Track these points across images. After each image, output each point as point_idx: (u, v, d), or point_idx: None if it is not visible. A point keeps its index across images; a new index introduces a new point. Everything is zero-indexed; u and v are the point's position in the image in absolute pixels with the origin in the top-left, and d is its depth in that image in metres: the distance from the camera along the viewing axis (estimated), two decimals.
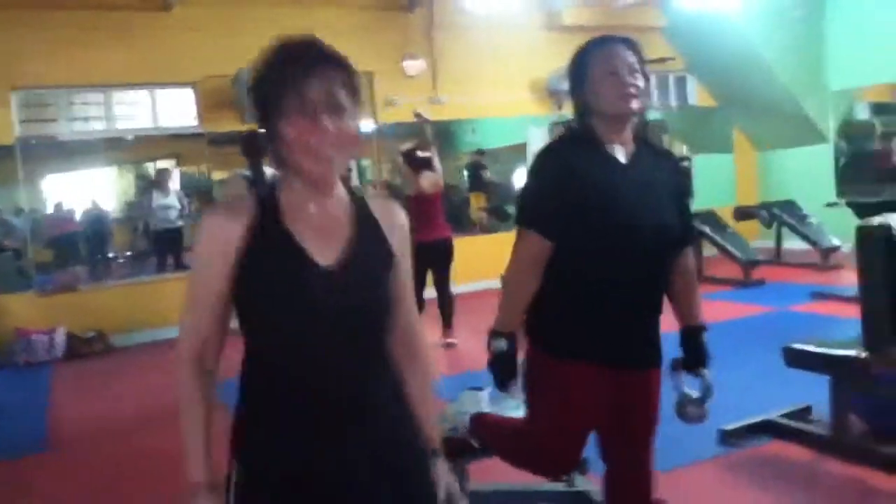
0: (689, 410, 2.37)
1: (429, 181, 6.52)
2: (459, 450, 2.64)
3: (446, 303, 6.77)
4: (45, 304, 7.72)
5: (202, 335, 1.51)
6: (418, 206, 6.45)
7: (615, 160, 2.13)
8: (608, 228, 2.09)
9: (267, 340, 1.47)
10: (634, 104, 2.08)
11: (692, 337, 2.34)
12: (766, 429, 3.95)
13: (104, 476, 4.24)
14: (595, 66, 2.12)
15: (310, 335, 1.44)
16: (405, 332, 1.64)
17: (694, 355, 2.34)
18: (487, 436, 2.62)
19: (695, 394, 2.38)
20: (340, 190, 1.54)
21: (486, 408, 2.75)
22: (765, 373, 4.81)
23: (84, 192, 10.81)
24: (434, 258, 6.59)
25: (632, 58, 2.11)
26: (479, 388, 2.87)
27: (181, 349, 1.51)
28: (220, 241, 1.45)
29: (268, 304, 1.44)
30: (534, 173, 2.21)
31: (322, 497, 1.47)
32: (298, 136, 1.41)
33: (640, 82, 2.10)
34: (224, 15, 8.04)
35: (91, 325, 7.66)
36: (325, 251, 1.46)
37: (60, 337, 7.44)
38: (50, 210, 10.23)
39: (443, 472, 1.65)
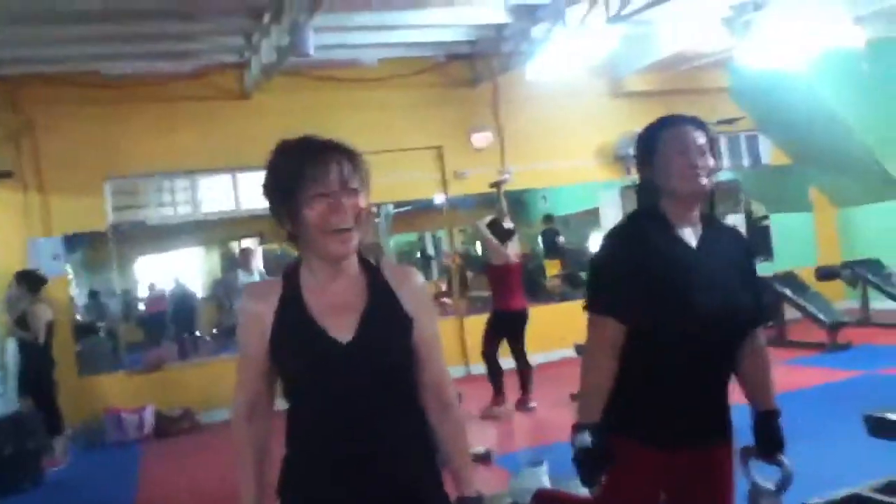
0: (763, 502, 2.23)
1: (513, 250, 6.71)
2: None
3: (527, 370, 6.80)
4: (134, 383, 8.01)
5: (249, 397, 1.75)
6: (502, 276, 6.66)
7: (685, 244, 2.11)
8: (678, 314, 2.05)
9: (297, 402, 1.69)
10: (703, 183, 2.07)
11: (766, 422, 2.23)
12: (854, 503, 3.78)
13: None
14: (664, 146, 2.11)
15: (332, 402, 1.64)
16: (434, 385, 1.76)
17: (768, 441, 2.22)
18: None
19: (769, 484, 2.23)
20: (354, 263, 1.70)
21: (546, 484, 2.74)
22: (853, 442, 4.61)
23: (172, 272, 11.32)
24: (515, 327, 6.70)
25: (702, 139, 2.10)
26: (539, 463, 2.86)
27: (234, 409, 1.78)
28: (254, 319, 1.69)
29: (294, 375, 1.67)
30: (603, 258, 2.20)
31: None
32: (322, 218, 1.59)
33: (710, 163, 2.09)
34: (299, 99, 8.41)
35: (178, 403, 7.90)
36: (342, 326, 1.64)
37: (149, 415, 7.70)
38: (140, 291, 10.75)
39: None
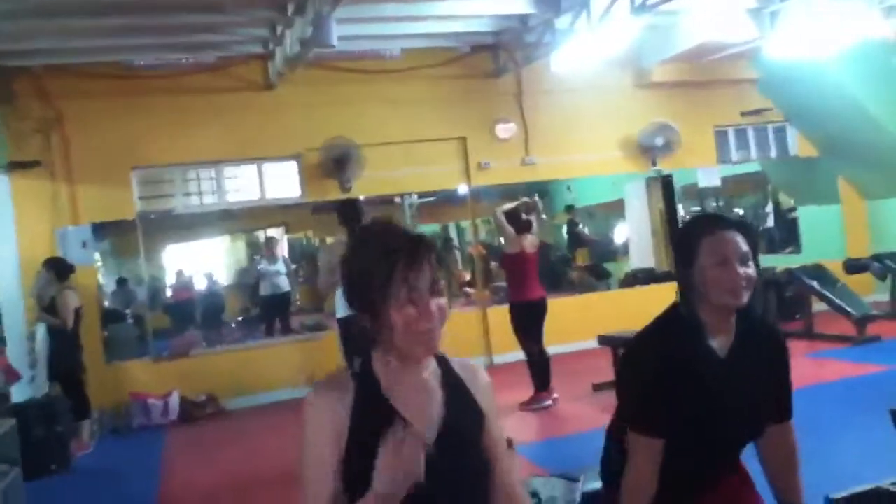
0: None
1: (530, 241, 6.72)
2: None
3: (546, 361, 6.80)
4: (160, 369, 8.13)
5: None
6: (518, 266, 6.68)
7: (715, 356, 2.06)
8: (700, 425, 2.05)
9: None
10: (744, 297, 2.00)
11: None
12: (877, 498, 3.74)
13: None
14: (705, 253, 2.02)
15: None
16: (506, 485, 1.69)
17: None
18: None
19: None
20: (431, 358, 1.62)
21: (577, 501, 2.70)
22: (879, 437, 4.56)
23: (198, 260, 11.44)
24: (536, 316, 6.69)
25: (744, 245, 2.02)
26: (575, 480, 2.80)
27: None
28: (328, 418, 1.52)
29: (378, 479, 1.45)
30: (638, 373, 2.15)
31: None
32: (409, 324, 1.50)
33: (752, 271, 2.01)
34: (324, 90, 8.46)
35: (203, 389, 8.00)
36: (424, 423, 1.53)
37: (174, 401, 7.81)
38: (167, 279, 10.88)
39: None
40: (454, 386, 1.62)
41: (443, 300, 1.53)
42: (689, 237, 2.08)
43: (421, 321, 1.50)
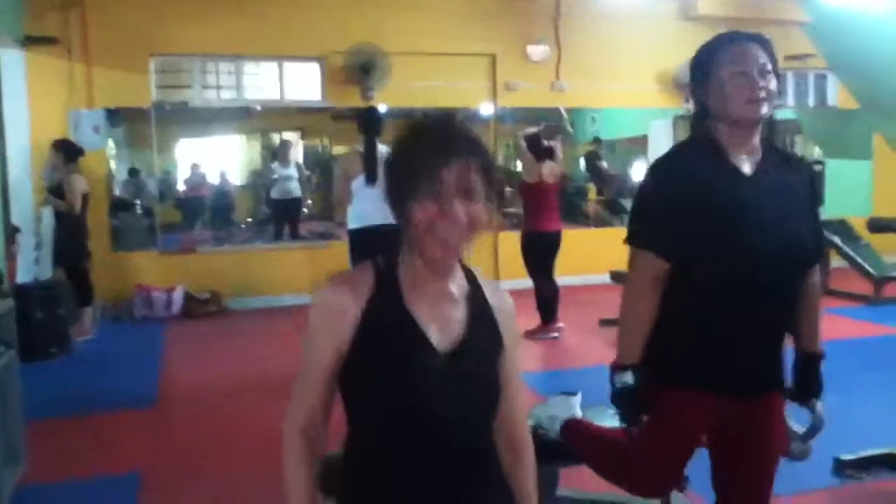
0: (792, 447, 2.17)
1: (549, 170, 6.46)
2: (551, 454, 2.53)
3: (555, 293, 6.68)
4: (166, 263, 8.09)
5: (310, 407, 1.48)
6: (536, 195, 6.46)
7: (738, 172, 1.94)
8: (731, 247, 1.89)
9: (375, 419, 1.44)
10: (764, 109, 1.89)
11: (807, 364, 2.11)
12: (888, 463, 3.67)
13: (203, 437, 4.39)
14: (722, 66, 1.91)
15: (421, 418, 1.41)
16: (509, 421, 1.57)
17: (806, 385, 2.12)
18: (581, 446, 2.50)
19: (800, 428, 2.17)
20: (458, 269, 1.49)
21: (578, 414, 2.63)
22: (887, 399, 4.48)
23: (211, 158, 11.24)
24: (549, 248, 6.53)
25: (763, 58, 1.91)
26: (573, 393, 2.75)
27: (289, 418, 1.50)
28: (334, 312, 1.43)
29: (381, 385, 1.41)
30: (649, 186, 2.03)
31: None
32: (428, 221, 1.37)
33: (772, 85, 1.90)
34: None
35: (207, 287, 7.98)
36: (441, 334, 1.43)
37: (178, 296, 7.79)
38: (179, 173, 10.70)
39: None
40: (480, 305, 1.49)
41: (476, 207, 1.38)
42: (706, 52, 1.97)
43: (442, 221, 1.36)
